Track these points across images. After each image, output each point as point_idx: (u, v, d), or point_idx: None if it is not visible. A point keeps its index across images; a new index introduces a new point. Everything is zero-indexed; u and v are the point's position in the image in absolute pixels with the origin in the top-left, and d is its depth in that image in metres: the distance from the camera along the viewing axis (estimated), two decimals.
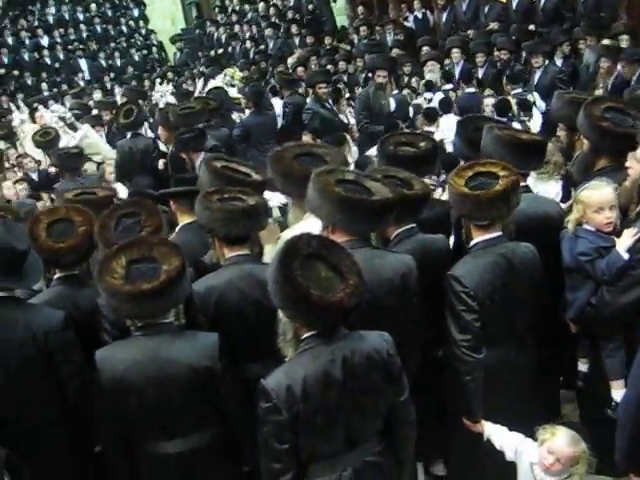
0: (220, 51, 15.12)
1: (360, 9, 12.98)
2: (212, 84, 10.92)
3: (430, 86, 8.59)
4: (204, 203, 3.08)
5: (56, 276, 3.24)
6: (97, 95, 12.54)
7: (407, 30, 11.73)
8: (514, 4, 9.89)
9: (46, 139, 7.15)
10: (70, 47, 15.90)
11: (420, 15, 11.87)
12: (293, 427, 2.20)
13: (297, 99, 8.30)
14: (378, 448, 2.38)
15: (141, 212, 3.29)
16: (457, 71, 9.04)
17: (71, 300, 3.13)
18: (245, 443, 2.72)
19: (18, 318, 2.94)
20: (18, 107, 11.66)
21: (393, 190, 2.82)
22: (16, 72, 14.87)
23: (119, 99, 11.15)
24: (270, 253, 3.11)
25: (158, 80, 13.04)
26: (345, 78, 10.32)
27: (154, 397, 2.57)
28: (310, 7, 13.97)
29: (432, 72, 9.07)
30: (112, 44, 16.54)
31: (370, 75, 8.10)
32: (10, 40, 15.53)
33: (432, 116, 7.27)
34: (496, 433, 2.87)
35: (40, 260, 3.18)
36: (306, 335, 2.28)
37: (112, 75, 15.33)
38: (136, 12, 17.85)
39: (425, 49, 10.11)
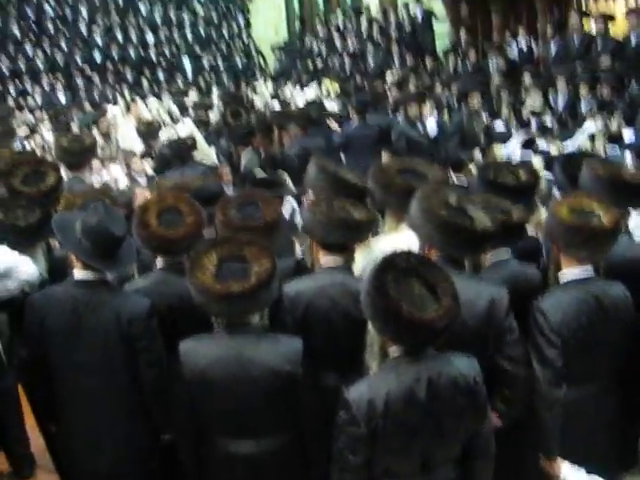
0: (318, 63, 15.33)
1: (462, 33, 12.91)
2: (307, 94, 11.09)
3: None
4: (311, 206, 3.12)
5: (159, 264, 3.30)
6: (193, 95, 12.87)
7: (509, 57, 11.59)
8: (633, 41, 9.55)
9: (149, 129, 7.37)
10: (174, 47, 16.43)
11: (524, 43, 11.70)
12: (369, 441, 2.17)
13: (386, 118, 8.29)
14: (452, 475, 2.32)
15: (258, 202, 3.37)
16: (560, 102, 8.85)
17: (175, 288, 3.14)
18: (314, 451, 2.70)
19: (106, 301, 3.03)
20: (116, 102, 12.13)
21: (493, 219, 2.78)
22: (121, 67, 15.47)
23: (216, 101, 11.43)
24: (359, 261, 3.12)
25: (257, 85, 13.36)
26: (443, 100, 10.26)
27: (233, 395, 2.59)
28: (411, 28, 13.99)
29: (533, 100, 8.94)
30: (214, 47, 16.98)
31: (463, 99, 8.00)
32: (119, 36, 16.17)
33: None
34: (573, 474, 2.75)
35: (134, 246, 3.28)
36: (393, 351, 2.26)
37: (213, 77, 15.71)
38: (240, 18, 18.27)
39: (527, 76, 9.95)
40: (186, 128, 8.12)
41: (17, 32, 15.41)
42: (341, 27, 15.91)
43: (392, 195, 3.25)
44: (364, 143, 7.25)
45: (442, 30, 14.04)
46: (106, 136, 8.93)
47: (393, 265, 2.24)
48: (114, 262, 3.06)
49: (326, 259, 3.05)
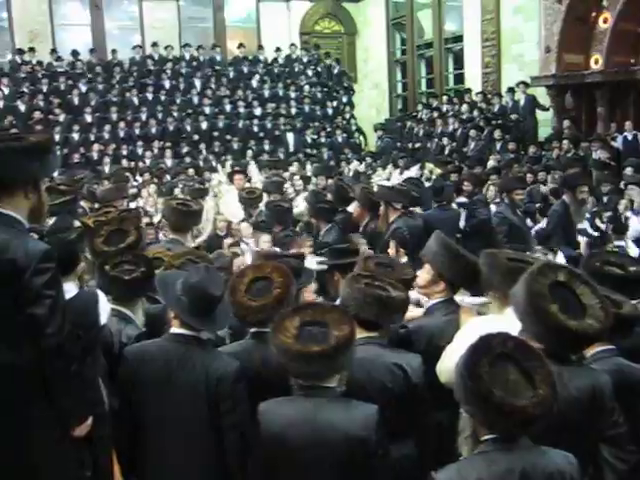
0: (417, 145, 15.53)
1: (566, 122, 12.82)
2: (406, 174, 11.21)
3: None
4: (350, 280, 3.22)
5: (251, 330, 3.37)
6: (293, 168, 13.26)
7: (613, 149, 11.38)
8: None
9: (251, 197, 7.62)
10: (278, 121, 17.11)
11: (630, 136, 11.48)
12: None
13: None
14: None
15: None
16: None
17: (260, 356, 3.20)
18: None
19: (198, 358, 3.08)
20: (216, 170, 12.64)
21: (607, 313, 2.65)
22: (228, 136, 16.19)
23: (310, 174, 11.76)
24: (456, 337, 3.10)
25: (355, 163, 13.65)
26: (542, 188, 10.11)
27: (306, 458, 2.58)
28: (515, 116, 14.02)
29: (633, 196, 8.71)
30: (317, 123, 17.54)
31: (565, 190, 7.78)
32: (228, 108, 17.00)
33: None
34: None
35: (229, 309, 3.36)
36: (485, 437, 2.18)
37: (312, 151, 16.19)
38: (345, 98, 18.87)
39: (629, 170, 9.71)
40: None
41: (135, 100, 16.46)
42: (443, 110, 16.12)
43: (498, 275, 3.23)
44: (443, 227, 7.20)
45: (545, 117, 14.00)
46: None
47: (489, 348, 2.20)
48: (210, 321, 3.14)
49: (361, 334, 3.06)
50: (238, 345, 3.38)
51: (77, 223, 5.07)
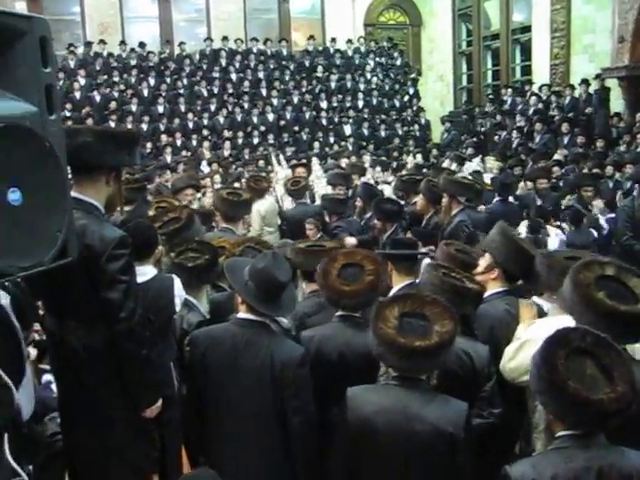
0: (483, 138, 15.28)
1: (639, 116, 12.41)
2: (467, 167, 11.08)
3: None
4: (430, 268, 3.31)
5: (337, 313, 3.39)
6: (353, 159, 13.22)
7: None
8: None
9: (295, 188, 7.65)
10: (345, 113, 17.13)
11: None
12: None
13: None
14: None
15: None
16: None
17: (345, 339, 3.26)
18: None
19: (263, 343, 3.13)
20: (279, 161, 12.72)
21: None
22: (296, 128, 16.30)
23: (368, 166, 11.68)
24: (520, 332, 3.08)
25: (419, 155, 13.55)
26: (611, 184, 9.82)
27: (393, 447, 2.59)
28: (587, 110, 13.64)
29: None
30: (382, 116, 17.48)
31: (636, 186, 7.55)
32: (295, 100, 17.10)
33: None
34: None
35: (296, 295, 3.40)
36: (561, 433, 2.14)
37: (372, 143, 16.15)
38: (411, 90, 18.74)
39: None
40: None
41: (204, 92, 16.73)
42: (509, 102, 15.80)
43: (556, 276, 3.16)
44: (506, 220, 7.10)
45: (617, 110, 13.59)
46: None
47: (567, 341, 2.18)
48: (276, 307, 3.18)
49: None
50: (324, 327, 3.41)
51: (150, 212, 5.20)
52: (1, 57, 2.01)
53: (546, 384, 2.12)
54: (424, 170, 10.64)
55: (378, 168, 11.59)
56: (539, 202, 8.63)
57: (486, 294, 3.50)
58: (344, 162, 11.80)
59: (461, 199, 6.00)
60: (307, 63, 18.41)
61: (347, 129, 16.65)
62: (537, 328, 2.93)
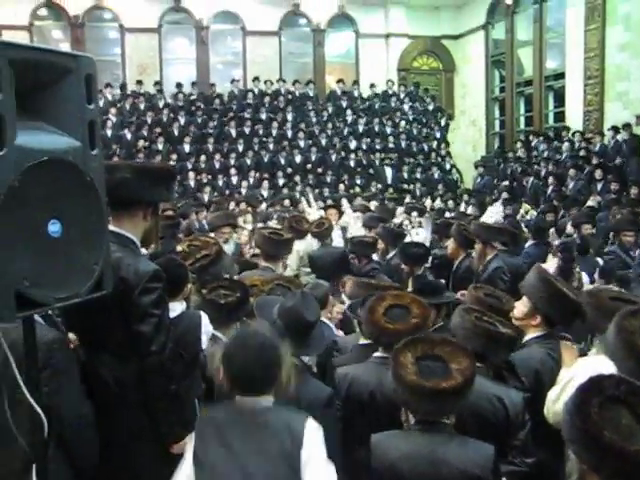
0: (514, 184, 15.26)
1: None
2: (490, 211, 11.10)
3: None
4: (462, 311, 3.26)
5: (375, 354, 3.41)
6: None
7: None
8: None
9: (320, 229, 7.68)
10: (374, 156, 17.27)
11: None
12: None
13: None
14: None
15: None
16: None
17: (379, 380, 3.22)
18: None
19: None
20: (308, 201, 12.81)
21: None
22: (320, 169, 16.45)
23: (399, 211, 11.68)
24: (562, 375, 3.06)
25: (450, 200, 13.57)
26: None
27: None
28: (618, 159, 13.55)
29: None
30: (412, 159, 17.58)
31: None
32: (323, 142, 17.30)
33: None
34: None
35: (325, 335, 3.39)
36: None
37: (408, 186, 16.21)
38: (438, 134, 18.85)
39: None
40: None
41: (233, 132, 17.00)
42: (542, 148, 15.79)
43: (602, 318, 3.12)
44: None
45: None
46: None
47: (600, 388, 2.11)
48: (304, 346, 3.18)
49: None
50: (360, 366, 3.42)
51: (179, 247, 5.25)
52: (48, 93, 2.08)
53: (579, 433, 2.05)
54: (446, 214, 10.65)
55: (414, 213, 11.59)
56: None
57: (527, 338, 3.49)
58: (373, 205, 11.85)
59: (495, 244, 5.97)
60: (343, 104, 18.62)
61: (388, 171, 16.76)
62: (579, 367, 2.90)
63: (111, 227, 2.78)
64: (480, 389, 2.98)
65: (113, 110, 16.41)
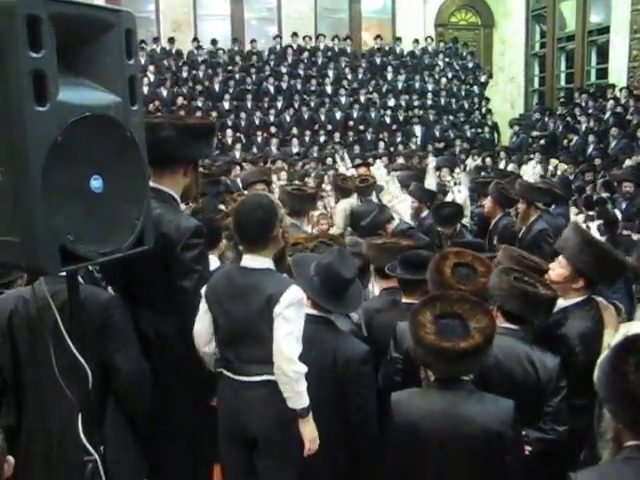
0: (552, 140, 14.95)
1: None
2: (525, 170, 10.93)
3: None
4: (500, 272, 3.18)
5: None
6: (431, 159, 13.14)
7: None
8: None
9: (364, 185, 7.63)
10: (410, 113, 17.04)
11: None
12: None
13: None
14: None
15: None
16: None
17: None
18: None
19: (327, 339, 3.16)
20: (343, 159, 12.74)
21: None
22: (362, 127, 16.31)
23: (430, 167, 11.55)
24: (607, 339, 3.03)
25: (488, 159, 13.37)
26: None
27: (441, 450, 2.57)
28: None
29: None
30: (451, 117, 17.32)
31: None
32: (362, 99, 17.11)
33: None
34: None
35: (362, 292, 3.40)
36: (630, 443, 2.06)
37: (442, 145, 15.99)
38: (473, 89, 18.52)
39: None
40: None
41: (271, 89, 16.90)
42: (583, 105, 15.41)
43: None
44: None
45: None
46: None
47: (637, 348, 2.08)
48: (341, 303, 3.19)
49: (502, 323, 3.07)
50: None
51: (221, 206, 5.28)
52: (89, 48, 2.09)
53: (616, 392, 2.04)
54: (483, 173, 10.50)
55: (457, 170, 11.48)
56: (624, 205, 8.46)
57: (568, 303, 3.34)
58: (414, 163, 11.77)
59: (539, 205, 5.87)
60: (379, 61, 18.35)
61: (417, 129, 16.54)
62: (629, 330, 2.83)
63: (152, 183, 2.80)
64: (512, 351, 2.98)
65: (151, 67, 16.38)
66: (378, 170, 10.87)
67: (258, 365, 2.87)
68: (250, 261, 2.96)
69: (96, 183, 2.07)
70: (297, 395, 2.83)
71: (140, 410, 2.82)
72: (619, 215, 8.08)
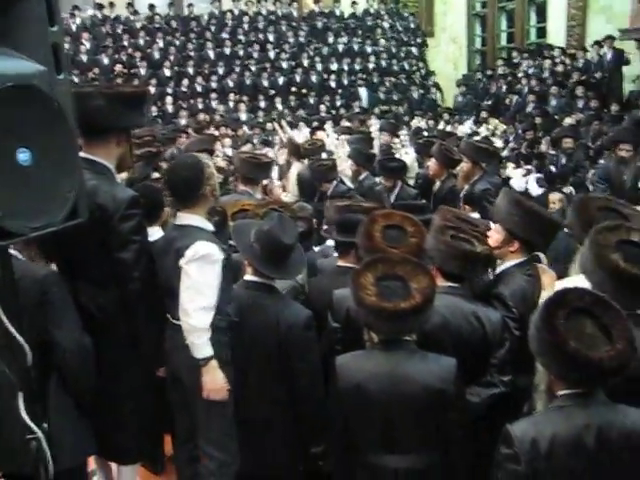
0: (495, 101, 15.12)
1: None
2: (460, 130, 11.04)
3: None
4: (436, 232, 3.17)
5: None
6: (374, 122, 13.11)
7: None
8: None
9: (312, 147, 7.63)
10: (353, 77, 16.98)
11: None
12: None
13: None
14: None
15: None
16: None
17: None
18: (460, 471, 2.67)
19: (268, 305, 3.18)
20: (297, 126, 12.62)
21: None
22: (304, 91, 16.18)
23: (373, 130, 11.55)
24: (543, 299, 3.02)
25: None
26: None
27: (385, 411, 2.61)
28: (599, 74, 13.40)
29: None
30: (392, 79, 17.32)
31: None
32: (305, 63, 16.96)
33: None
34: None
35: (304, 257, 3.40)
36: (561, 392, 2.16)
37: (387, 107, 16.01)
38: (415, 51, 18.53)
39: None
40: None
41: (212, 54, 16.59)
42: (524, 65, 15.58)
43: (587, 233, 2.97)
44: None
45: (631, 74, 13.35)
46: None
47: (566, 301, 2.18)
48: (282, 269, 3.20)
49: (443, 282, 3.09)
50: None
51: (155, 174, 5.19)
52: (8, 15, 2.00)
53: (547, 345, 2.13)
54: (424, 133, 10.55)
55: (404, 131, 11.50)
56: (563, 161, 8.63)
57: (506, 265, 3.37)
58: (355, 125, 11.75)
59: (482, 165, 5.91)
60: (320, 24, 18.17)
61: (362, 92, 16.49)
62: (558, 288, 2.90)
63: (84, 154, 2.74)
64: (457, 308, 3.03)
65: (86, 35, 15.86)
66: (327, 135, 10.79)
67: None
68: (180, 218, 3.13)
69: (23, 156, 2.00)
70: (194, 346, 2.97)
71: (84, 386, 2.80)
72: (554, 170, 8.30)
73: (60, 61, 2.12)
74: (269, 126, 12.86)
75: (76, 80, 13.80)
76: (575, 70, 13.83)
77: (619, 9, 13.74)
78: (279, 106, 15.48)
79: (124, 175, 3.85)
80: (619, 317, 2.17)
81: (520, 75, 15.18)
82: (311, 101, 15.91)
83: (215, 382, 3.02)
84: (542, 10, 16.87)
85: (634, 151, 6.68)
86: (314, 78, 16.60)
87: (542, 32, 16.91)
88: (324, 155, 8.05)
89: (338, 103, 16.09)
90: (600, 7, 14.50)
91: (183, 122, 13.59)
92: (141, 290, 2.95)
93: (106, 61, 15.55)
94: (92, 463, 3.38)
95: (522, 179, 8.35)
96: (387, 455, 2.63)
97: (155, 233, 3.54)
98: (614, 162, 6.83)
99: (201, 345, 2.97)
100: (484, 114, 13.45)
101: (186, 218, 3.11)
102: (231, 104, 15.25)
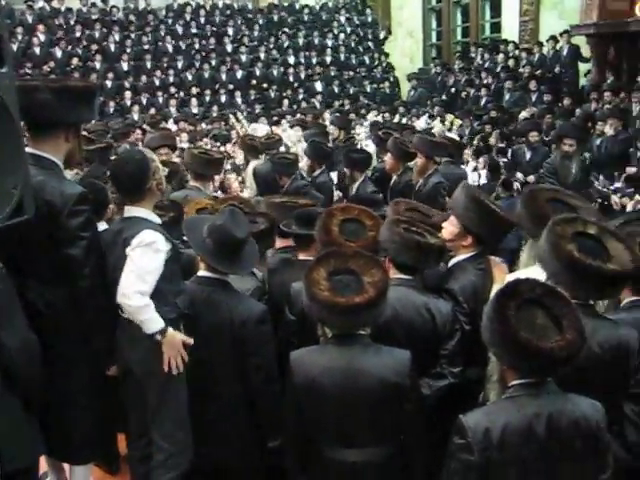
0: (451, 95, 15.26)
1: (608, 73, 12.45)
2: (416, 125, 11.14)
3: None
4: (390, 224, 3.20)
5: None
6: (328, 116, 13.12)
7: None
8: None
9: (269, 142, 7.58)
10: (310, 70, 16.97)
11: None
12: (481, 471, 2.10)
13: None
14: None
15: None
16: None
17: None
18: (417, 463, 2.70)
19: (222, 301, 3.16)
20: (256, 120, 12.56)
21: (635, 259, 2.57)
22: (265, 85, 16.09)
23: (328, 123, 11.55)
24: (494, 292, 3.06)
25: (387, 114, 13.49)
26: None
27: (340, 404, 2.62)
28: (558, 68, 13.62)
29: None
30: (351, 72, 17.36)
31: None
32: (262, 56, 16.88)
33: None
34: None
35: (257, 251, 3.39)
36: (513, 382, 2.19)
37: (344, 102, 16.01)
38: (372, 44, 18.58)
39: None
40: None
41: (170, 48, 16.39)
42: (479, 59, 15.75)
43: (540, 225, 2.98)
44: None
45: (584, 68, 13.61)
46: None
47: (517, 292, 2.22)
48: (235, 264, 3.17)
49: (396, 275, 3.11)
50: None
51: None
52: None
53: (498, 335, 2.16)
54: (380, 127, 10.62)
55: (365, 123, 11.50)
56: (529, 155, 8.78)
57: (458, 259, 3.41)
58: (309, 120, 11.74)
59: (437, 159, 5.94)
60: (276, 17, 18.09)
61: (317, 86, 16.47)
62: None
63: (31, 150, 2.68)
64: (409, 301, 3.05)
65: (40, 27, 15.50)
66: (284, 130, 10.76)
67: None
68: (127, 211, 3.12)
69: None
70: (143, 322, 2.93)
71: (31, 385, 2.73)
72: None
73: (2, 54, 2.06)
74: (231, 121, 12.77)
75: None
76: (529, 64, 14.02)
77: (570, 5, 13.96)
78: (238, 100, 15.35)
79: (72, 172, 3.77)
80: (569, 308, 2.21)
81: (473, 69, 15.34)
82: (272, 95, 15.82)
83: (174, 346, 2.97)
84: (496, 5, 17.05)
85: (577, 146, 6.86)
86: (275, 72, 16.51)
87: (496, 27, 17.10)
88: (282, 149, 8.04)
89: (300, 97, 16.04)
90: (552, 3, 14.71)
91: (136, 117, 13.39)
92: (91, 287, 2.90)
93: (59, 54, 15.23)
94: (44, 466, 3.31)
95: (473, 173, 8.49)
96: (344, 449, 2.63)
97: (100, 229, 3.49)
98: (559, 156, 7.00)
99: (150, 319, 2.92)
100: (437, 109, 13.53)
101: (133, 211, 3.10)
102: (171, 100, 14.93)
